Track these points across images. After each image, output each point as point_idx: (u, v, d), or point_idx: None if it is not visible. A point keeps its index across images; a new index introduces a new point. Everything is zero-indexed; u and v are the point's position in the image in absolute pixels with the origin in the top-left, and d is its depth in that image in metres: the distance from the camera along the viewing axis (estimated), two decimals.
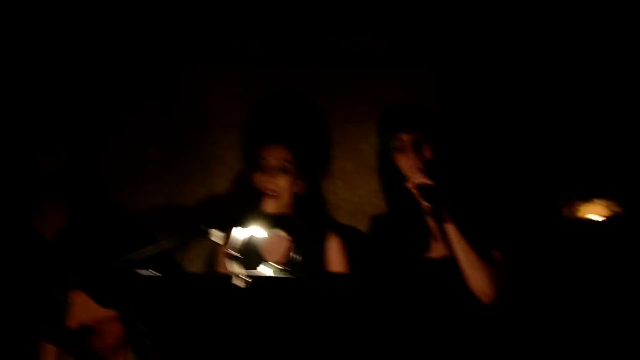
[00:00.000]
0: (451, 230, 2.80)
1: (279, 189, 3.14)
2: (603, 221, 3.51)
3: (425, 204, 2.86)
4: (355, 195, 3.69)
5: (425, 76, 3.70)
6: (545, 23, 3.58)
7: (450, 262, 2.82)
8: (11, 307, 2.98)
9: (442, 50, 3.67)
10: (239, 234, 2.38)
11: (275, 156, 3.18)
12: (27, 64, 3.58)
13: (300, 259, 2.70)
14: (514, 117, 3.61)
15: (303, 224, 3.16)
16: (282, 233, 2.45)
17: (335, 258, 3.16)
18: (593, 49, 3.58)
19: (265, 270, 2.35)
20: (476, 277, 2.78)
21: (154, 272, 2.33)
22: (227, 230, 2.46)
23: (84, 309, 3.00)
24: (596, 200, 3.53)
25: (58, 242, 3.13)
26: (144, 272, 2.30)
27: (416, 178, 2.86)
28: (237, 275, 2.24)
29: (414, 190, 2.88)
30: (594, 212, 3.52)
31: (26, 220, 3.15)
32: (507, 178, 3.52)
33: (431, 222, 2.96)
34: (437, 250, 2.93)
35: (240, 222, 2.41)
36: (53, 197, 3.16)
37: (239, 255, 2.25)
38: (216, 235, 2.43)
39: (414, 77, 3.72)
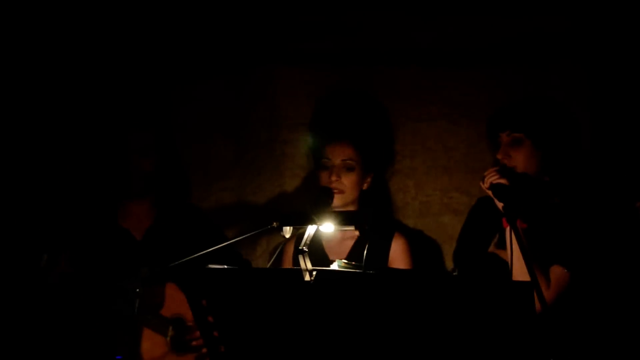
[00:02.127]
0: (515, 233, 2.74)
1: (344, 187, 3.17)
2: None
3: (497, 202, 2.82)
4: (423, 195, 3.67)
5: (500, 76, 3.65)
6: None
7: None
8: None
9: (517, 49, 3.60)
10: (309, 230, 2.39)
11: (339, 155, 3.20)
12: (113, 63, 3.67)
13: (366, 254, 2.72)
14: (595, 121, 3.52)
15: (371, 220, 3.17)
16: (350, 229, 2.45)
17: (400, 258, 3.18)
18: None
19: (333, 266, 2.35)
20: None
21: (225, 266, 2.37)
22: (298, 225, 2.48)
23: (177, 302, 3.09)
24: None
25: (146, 240, 3.23)
26: (215, 266, 2.33)
27: (490, 176, 2.83)
28: (306, 270, 2.25)
29: (486, 189, 2.85)
30: None
31: (113, 218, 3.25)
32: (585, 186, 3.41)
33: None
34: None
35: (309, 219, 2.42)
36: (142, 196, 3.24)
37: (307, 250, 2.25)
38: (287, 231, 2.45)
39: (488, 76, 3.67)
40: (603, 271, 3.00)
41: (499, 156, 2.94)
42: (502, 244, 2.94)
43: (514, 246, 2.58)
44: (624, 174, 3.36)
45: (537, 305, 2.40)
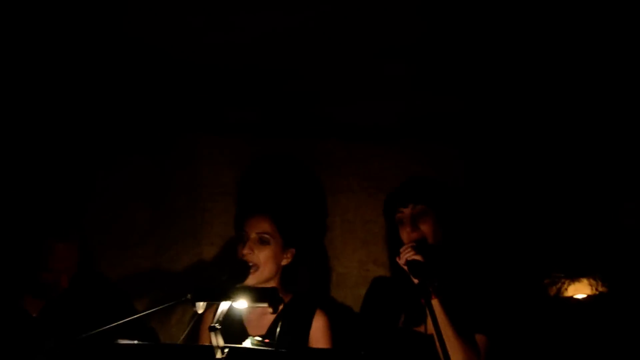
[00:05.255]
0: (435, 307, 2.79)
1: (259, 261, 3.09)
2: (588, 300, 3.51)
3: (413, 278, 2.86)
4: (340, 266, 3.70)
5: (413, 152, 3.76)
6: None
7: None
8: None
9: (434, 128, 3.71)
10: (223, 305, 2.37)
11: (255, 228, 3.13)
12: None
13: (282, 333, 2.68)
14: (503, 195, 3.64)
15: (290, 298, 3.13)
16: (265, 306, 2.43)
17: (319, 336, 3.09)
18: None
19: (246, 342, 2.34)
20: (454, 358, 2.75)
21: (134, 341, 2.32)
22: (211, 301, 2.46)
23: None
24: (582, 280, 3.55)
25: (43, 315, 3.10)
26: (124, 341, 2.29)
27: (406, 252, 2.87)
28: (218, 347, 2.23)
29: (402, 265, 2.88)
30: (580, 292, 3.52)
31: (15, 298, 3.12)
32: (495, 257, 3.51)
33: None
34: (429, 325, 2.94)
35: (225, 294, 2.41)
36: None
37: (220, 327, 2.24)
38: (200, 306, 2.43)
39: (405, 152, 3.76)
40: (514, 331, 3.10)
41: (407, 229, 2.99)
42: (412, 320, 2.97)
43: (435, 321, 2.60)
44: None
45: None
